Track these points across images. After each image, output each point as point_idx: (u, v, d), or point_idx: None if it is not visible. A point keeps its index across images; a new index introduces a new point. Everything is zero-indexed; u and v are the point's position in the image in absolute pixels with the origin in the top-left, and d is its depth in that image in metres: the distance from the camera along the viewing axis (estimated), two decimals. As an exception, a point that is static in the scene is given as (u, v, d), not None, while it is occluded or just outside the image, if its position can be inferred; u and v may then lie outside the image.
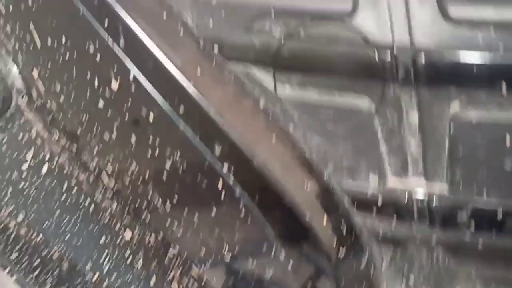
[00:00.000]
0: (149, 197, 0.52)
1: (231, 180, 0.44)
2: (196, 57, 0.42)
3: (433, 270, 0.48)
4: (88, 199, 0.63)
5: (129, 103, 0.46)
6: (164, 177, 0.48)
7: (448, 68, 0.38)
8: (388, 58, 0.39)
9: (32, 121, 0.62)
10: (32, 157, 0.61)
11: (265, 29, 0.41)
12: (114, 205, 0.61)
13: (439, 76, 0.39)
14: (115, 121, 0.48)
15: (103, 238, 0.63)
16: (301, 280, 0.46)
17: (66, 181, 0.63)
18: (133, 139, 0.48)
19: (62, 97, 0.51)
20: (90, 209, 0.64)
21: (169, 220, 0.53)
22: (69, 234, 0.62)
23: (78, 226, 0.63)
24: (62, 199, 0.63)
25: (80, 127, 0.52)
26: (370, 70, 0.40)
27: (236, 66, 0.44)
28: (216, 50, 0.43)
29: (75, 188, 0.63)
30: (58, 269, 0.62)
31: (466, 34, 0.37)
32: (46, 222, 0.61)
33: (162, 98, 0.44)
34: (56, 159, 0.63)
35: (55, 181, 0.62)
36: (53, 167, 0.63)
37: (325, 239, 0.43)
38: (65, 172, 0.63)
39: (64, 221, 0.62)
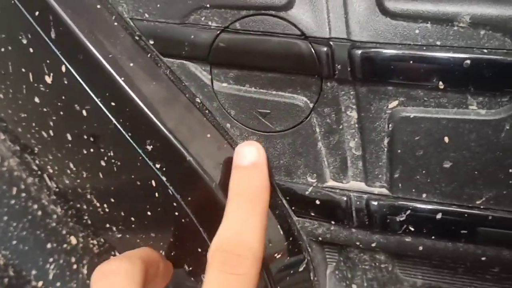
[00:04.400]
0: (88, 198, 0.50)
1: (163, 178, 0.42)
2: (129, 51, 0.41)
3: (377, 276, 0.46)
4: (36, 204, 0.62)
5: (63, 99, 0.44)
6: (100, 176, 0.47)
7: (385, 63, 0.37)
8: (325, 53, 0.38)
9: (-18, 123, 0.61)
10: (-16, 162, 0.60)
11: (200, 23, 0.40)
12: (59, 209, 0.60)
13: (376, 71, 0.37)
14: (50, 118, 0.46)
15: (49, 244, 0.62)
16: None
17: (15, 185, 0.62)
18: (69, 137, 0.46)
19: (1, 95, 0.50)
20: (38, 214, 0.62)
21: (108, 222, 0.51)
22: (15, 241, 0.61)
23: (25, 231, 0.62)
24: (11, 204, 0.62)
25: (20, 126, 0.51)
26: (306, 65, 0.39)
27: (171, 60, 0.42)
28: (151, 44, 0.42)
29: (24, 192, 0.62)
30: (7, 277, 0.61)
31: (403, 28, 0.36)
32: (-6, 228, 0.60)
33: (94, 93, 0.42)
34: (6, 162, 0.62)
35: (5, 186, 0.61)
36: (4, 170, 0.62)
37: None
38: (14, 175, 0.62)
39: (12, 227, 0.61)
